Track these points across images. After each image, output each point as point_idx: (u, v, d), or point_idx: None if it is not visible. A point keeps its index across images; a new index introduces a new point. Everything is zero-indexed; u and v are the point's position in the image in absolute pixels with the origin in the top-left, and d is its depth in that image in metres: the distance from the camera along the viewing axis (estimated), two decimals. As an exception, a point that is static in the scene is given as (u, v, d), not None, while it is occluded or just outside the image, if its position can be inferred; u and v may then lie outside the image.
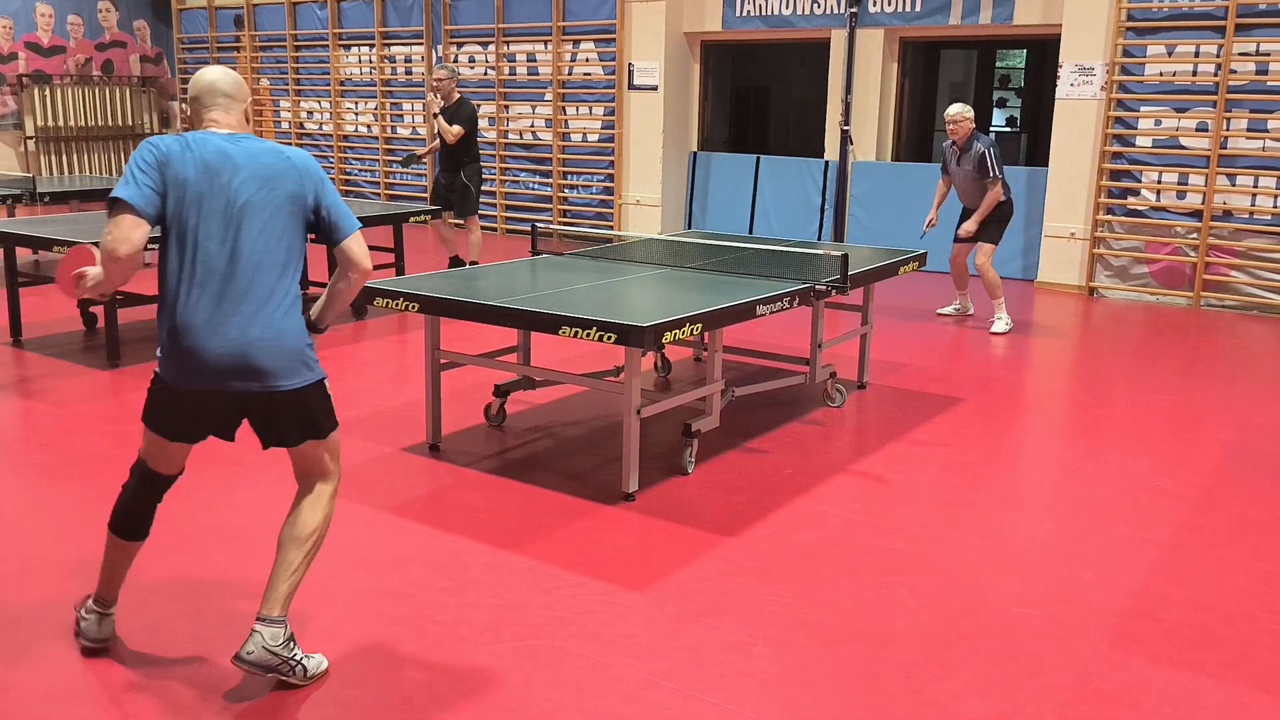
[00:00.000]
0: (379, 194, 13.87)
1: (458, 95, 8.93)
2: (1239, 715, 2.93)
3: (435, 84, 8.87)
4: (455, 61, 12.95)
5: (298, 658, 2.92)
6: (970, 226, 7.68)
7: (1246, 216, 8.73)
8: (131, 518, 3.10)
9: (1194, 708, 2.96)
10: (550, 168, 12.44)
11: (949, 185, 7.99)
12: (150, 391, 2.96)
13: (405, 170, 13.40)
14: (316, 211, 2.93)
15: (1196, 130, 8.82)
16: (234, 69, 15.85)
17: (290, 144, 14.65)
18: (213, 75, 2.96)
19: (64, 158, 15.49)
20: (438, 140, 8.93)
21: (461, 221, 9.24)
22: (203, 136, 2.86)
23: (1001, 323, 7.75)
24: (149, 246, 2.84)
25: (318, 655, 3.04)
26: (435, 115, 8.90)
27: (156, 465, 3.05)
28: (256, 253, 2.82)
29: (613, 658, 3.16)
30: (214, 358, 2.80)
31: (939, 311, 8.33)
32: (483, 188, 9.34)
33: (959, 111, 7.68)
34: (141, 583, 3.58)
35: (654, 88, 11.60)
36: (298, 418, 2.96)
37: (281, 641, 2.89)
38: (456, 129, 8.74)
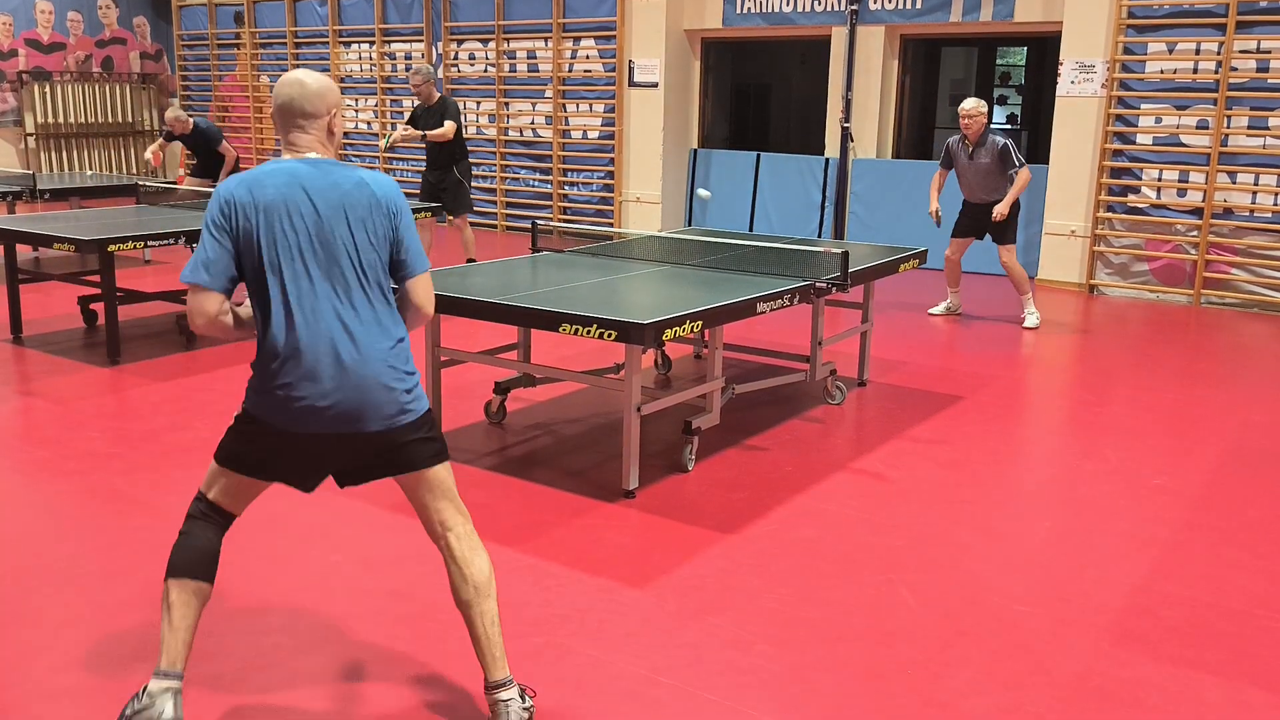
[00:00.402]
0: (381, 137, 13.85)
1: (437, 95, 8.92)
2: (1239, 713, 2.93)
3: (413, 88, 8.85)
4: (455, 59, 12.95)
5: (529, 704, 2.77)
6: (1003, 208, 7.56)
7: (1247, 214, 8.72)
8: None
9: (1195, 705, 2.96)
10: (550, 165, 12.44)
11: (944, 179, 7.95)
12: None
13: (387, 153, 13.51)
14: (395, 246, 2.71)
15: (1197, 128, 8.82)
16: (234, 66, 15.82)
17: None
18: (285, 90, 2.69)
19: (64, 154, 15.49)
20: (402, 129, 8.95)
21: (454, 219, 9.23)
22: (271, 168, 2.65)
23: (1034, 317, 7.82)
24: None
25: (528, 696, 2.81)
26: (405, 125, 8.96)
27: None
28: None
29: (613, 655, 3.15)
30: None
31: (930, 311, 8.30)
32: (480, 184, 9.35)
33: (975, 106, 7.62)
34: (142, 579, 3.58)
35: (654, 85, 11.59)
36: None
37: (522, 700, 2.74)
38: (449, 124, 8.72)
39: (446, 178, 9.02)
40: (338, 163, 2.72)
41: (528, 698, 2.77)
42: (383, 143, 9.80)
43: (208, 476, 2.79)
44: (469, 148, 9.66)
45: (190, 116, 9.92)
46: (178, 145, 10.91)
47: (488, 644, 2.73)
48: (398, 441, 2.69)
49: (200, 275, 2.59)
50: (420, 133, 8.89)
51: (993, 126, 8.56)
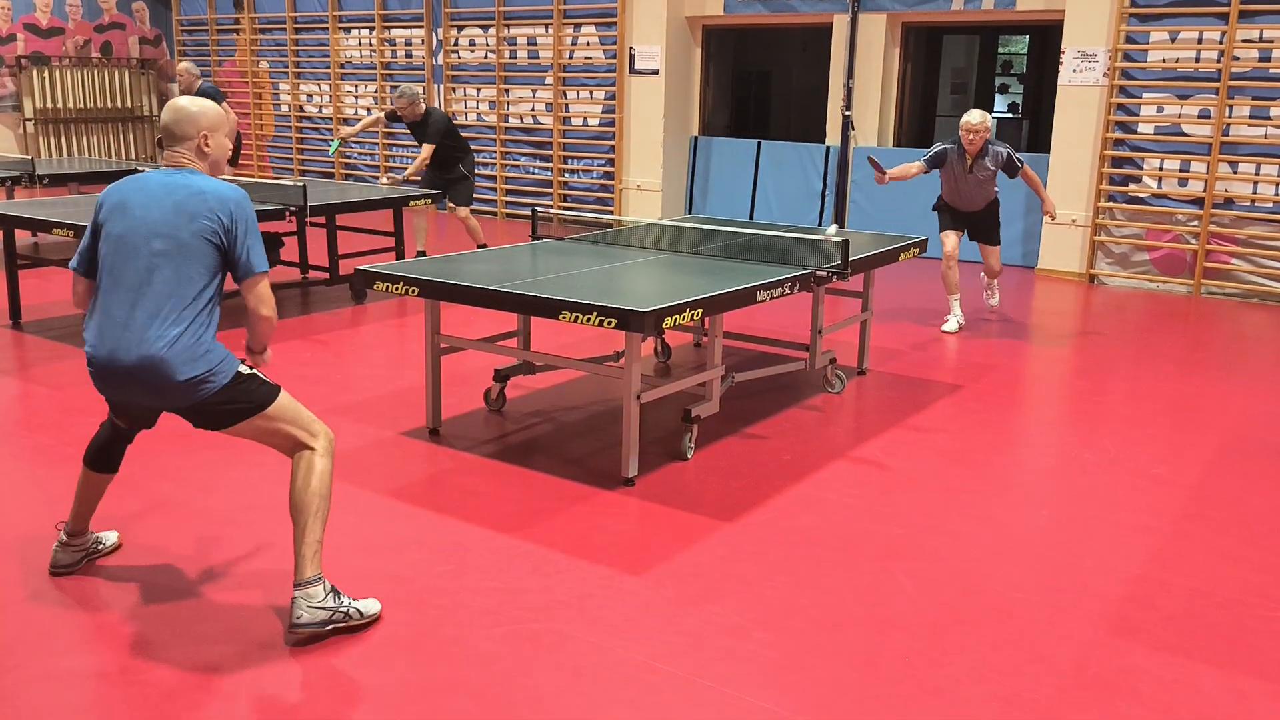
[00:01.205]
0: (379, 177, 13.82)
1: (422, 108, 8.90)
2: (1236, 702, 2.94)
3: (399, 111, 8.85)
4: (455, 45, 12.91)
5: (346, 605, 3.13)
6: (1053, 207, 7.55)
7: (1248, 204, 8.71)
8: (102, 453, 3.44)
9: (1192, 694, 2.97)
10: (551, 152, 12.41)
11: (922, 173, 7.48)
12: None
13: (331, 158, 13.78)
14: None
15: (1199, 117, 8.80)
16: (233, 51, 15.80)
17: (290, 126, 14.65)
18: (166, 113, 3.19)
19: (63, 140, 15.45)
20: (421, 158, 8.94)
21: (456, 209, 9.25)
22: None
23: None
24: None
25: (369, 599, 3.24)
26: (388, 170, 9.03)
27: None
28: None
29: (612, 641, 3.16)
30: None
31: (944, 329, 7.42)
32: (481, 172, 9.38)
33: (980, 121, 7.21)
34: (141, 564, 3.59)
35: (655, 72, 11.56)
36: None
37: (323, 596, 3.09)
38: (427, 148, 8.79)
39: (452, 171, 9.04)
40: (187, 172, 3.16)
41: (350, 600, 3.17)
42: (331, 149, 9.91)
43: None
44: (467, 139, 9.69)
45: (199, 78, 9.84)
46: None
47: (296, 549, 3.14)
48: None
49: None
50: (417, 170, 8.94)
51: (993, 115, 8.45)
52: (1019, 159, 7.33)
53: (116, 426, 3.39)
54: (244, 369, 3.16)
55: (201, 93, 9.74)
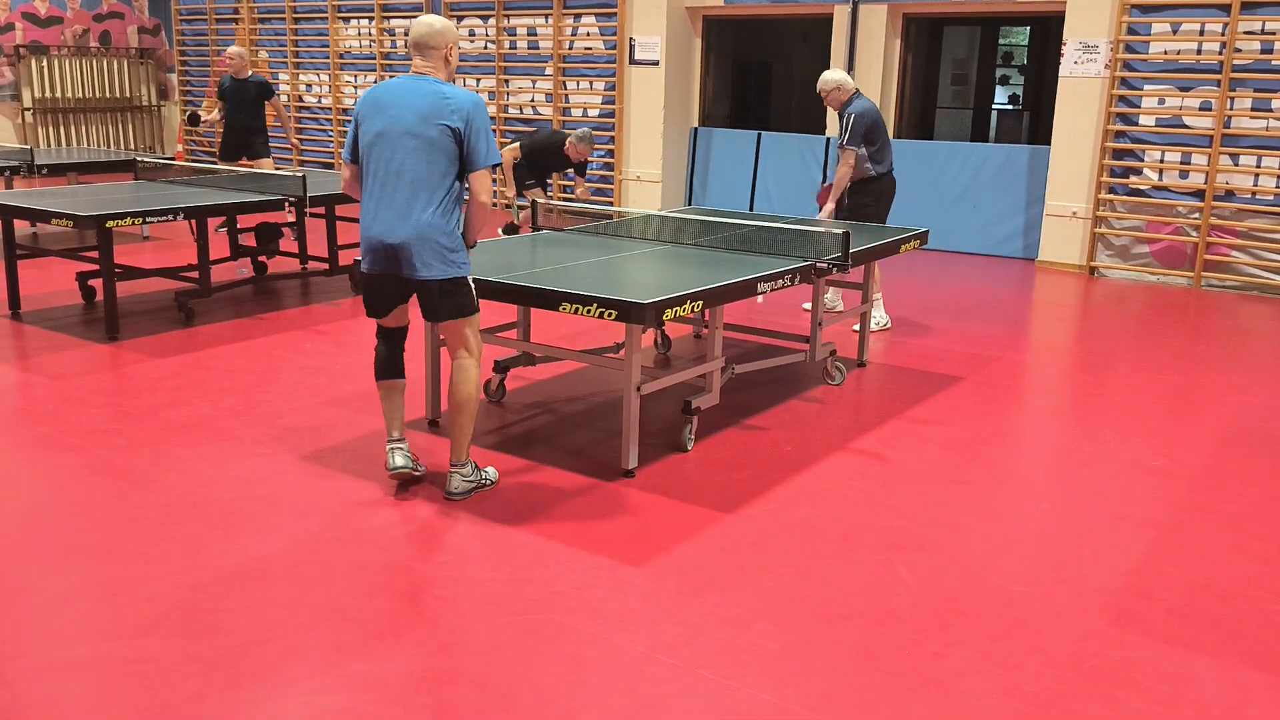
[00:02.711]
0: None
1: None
2: (1235, 693, 2.94)
3: (571, 155, 9.20)
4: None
5: (482, 477, 4.13)
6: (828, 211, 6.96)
7: (1249, 197, 8.71)
8: (381, 362, 4.14)
9: (1191, 686, 2.97)
10: (550, 143, 12.38)
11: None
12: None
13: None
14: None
15: (1200, 109, 8.79)
16: (232, 40, 15.77)
17: (289, 117, 14.61)
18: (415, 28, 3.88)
19: (62, 129, 15.42)
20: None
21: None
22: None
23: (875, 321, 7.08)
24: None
25: (490, 468, 4.22)
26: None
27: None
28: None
29: (612, 633, 3.17)
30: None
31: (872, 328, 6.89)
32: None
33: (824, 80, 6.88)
34: (142, 555, 3.59)
35: (655, 63, 11.53)
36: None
37: (470, 471, 4.08)
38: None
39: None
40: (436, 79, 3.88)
41: (483, 473, 4.15)
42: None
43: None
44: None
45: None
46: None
47: (452, 438, 4.04)
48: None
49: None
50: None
51: (994, 107, 8.36)
52: (848, 137, 6.72)
53: (388, 338, 4.10)
54: (470, 275, 3.93)
55: (257, 84, 9.73)
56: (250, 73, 9.80)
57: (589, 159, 9.46)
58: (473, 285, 3.96)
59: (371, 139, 3.80)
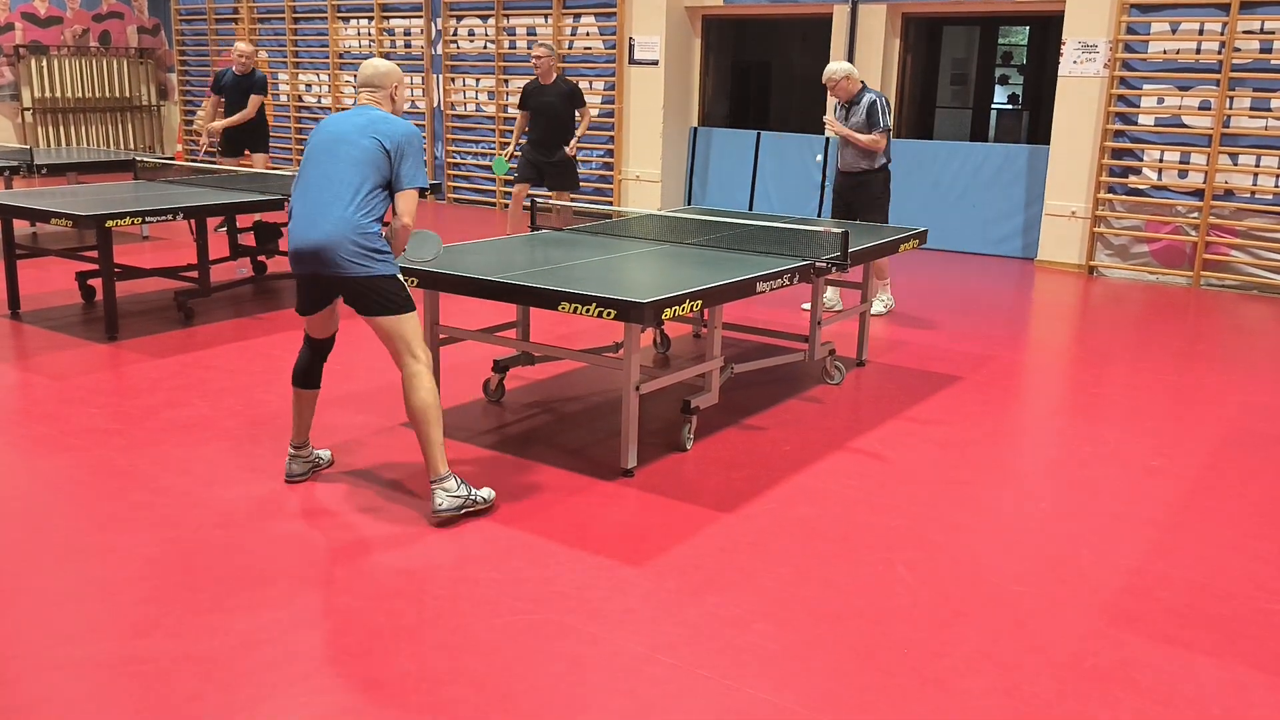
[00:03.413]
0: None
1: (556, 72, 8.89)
2: (1235, 693, 2.94)
3: (535, 62, 8.79)
4: (455, 34, 12.87)
5: (473, 494, 3.92)
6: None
7: (1248, 196, 8.71)
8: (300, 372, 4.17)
9: (1190, 685, 2.97)
10: (550, 142, 12.37)
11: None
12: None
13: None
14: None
15: (1199, 109, 8.79)
16: (232, 40, 15.77)
17: (289, 116, 14.62)
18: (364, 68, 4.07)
19: (61, 129, 15.42)
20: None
21: (555, 194, 9.06)
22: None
23: (882, 303, 7.51)
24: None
25: (486, 488, 4.02)
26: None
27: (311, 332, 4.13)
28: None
29: (611, 632, 3.17)
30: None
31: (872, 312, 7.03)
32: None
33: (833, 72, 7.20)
34: (141, 555, 3.59)
35: (655, 62, 11.53)
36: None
37: (456, 486, 3.88)
38: (582, 114, 8.82)
39: (556, 154, 8.84)
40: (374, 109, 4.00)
41: (475, 490, 3.95)
42: (499, 168, 9.79)
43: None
44: (465, 129, 9.63)
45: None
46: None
47: (424, 454, 3.89)
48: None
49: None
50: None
51: (994, 107, 8.34)
52: (882, 119, 7.10)
53: (312, 347, 4.13)
54: (400, 276, 3.91)
55: (260, 80, 9.68)
56: (253, 69, 9.76)
57: (557, 72, 8.90)
58: (404, 283, 3.93)
59: (309, 150, 3.96)
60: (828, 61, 10.83)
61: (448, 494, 3.85)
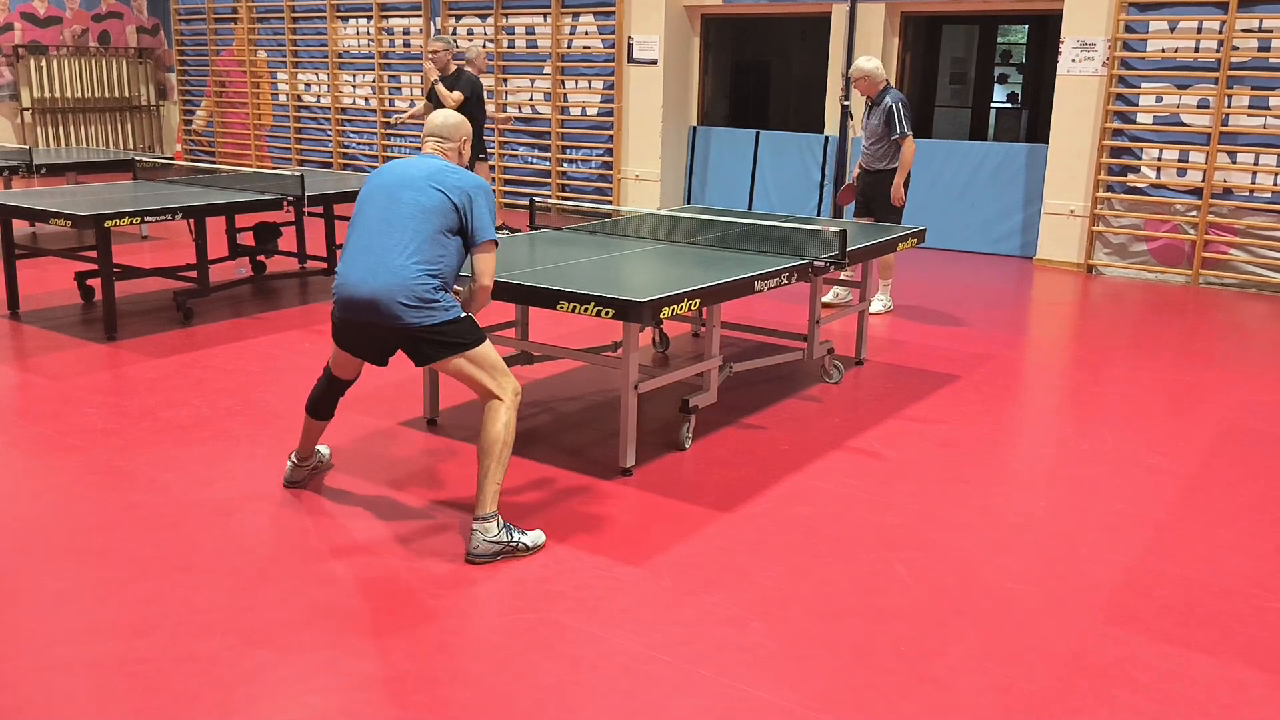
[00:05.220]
0: (377, 167, 13.80)
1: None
2: (1232, 691, 2.95)
3: (430, 56, 8.71)
4: (454, 34, 12.87)
5: (516, 539, 3.64)
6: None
7: (1247, 194, 8.71)
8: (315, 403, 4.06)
9: (1188, 683, 2.98)
10: (549, 142, 12.38)
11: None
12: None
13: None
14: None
15: (1198, 107, 8.79)
16: (231, 40, 15.75)
17: (288, 116, 14.62)
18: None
19: (60, 129, 15.42)
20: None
21: None
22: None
23: (881, 303, 7.55)
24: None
25: (535, 531, 3.72)
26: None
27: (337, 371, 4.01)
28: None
29: (609, 632, 3.17)
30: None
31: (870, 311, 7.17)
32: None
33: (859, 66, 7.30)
34: (140, 555, 3.59)
35: (654, 62, 11.53)
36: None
37: (497, 531, 3.61)
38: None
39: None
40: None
41: (519, 534, 3.65)
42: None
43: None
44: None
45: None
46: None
47: (479, 486, 3.65)
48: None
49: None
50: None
51: (993, 105, 8.38)
52: (902, 124, 7.17)
53: (331, 382, 4.01)
54: (463, 313, 3.73)
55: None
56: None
57: (455, 66, 8.79)
58: (473, 319, 3.75)
59: (367, 193, 3.80)
60: (827, 60, 10.87)
61: (484, 538, 3.59)
